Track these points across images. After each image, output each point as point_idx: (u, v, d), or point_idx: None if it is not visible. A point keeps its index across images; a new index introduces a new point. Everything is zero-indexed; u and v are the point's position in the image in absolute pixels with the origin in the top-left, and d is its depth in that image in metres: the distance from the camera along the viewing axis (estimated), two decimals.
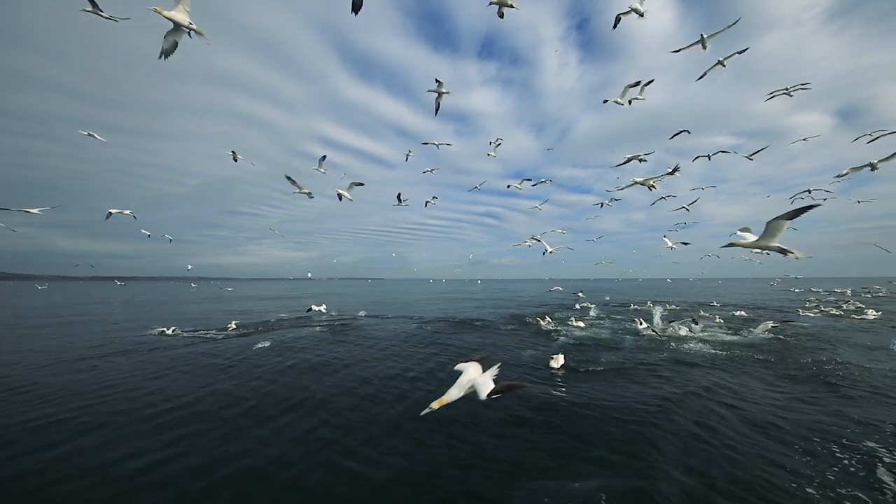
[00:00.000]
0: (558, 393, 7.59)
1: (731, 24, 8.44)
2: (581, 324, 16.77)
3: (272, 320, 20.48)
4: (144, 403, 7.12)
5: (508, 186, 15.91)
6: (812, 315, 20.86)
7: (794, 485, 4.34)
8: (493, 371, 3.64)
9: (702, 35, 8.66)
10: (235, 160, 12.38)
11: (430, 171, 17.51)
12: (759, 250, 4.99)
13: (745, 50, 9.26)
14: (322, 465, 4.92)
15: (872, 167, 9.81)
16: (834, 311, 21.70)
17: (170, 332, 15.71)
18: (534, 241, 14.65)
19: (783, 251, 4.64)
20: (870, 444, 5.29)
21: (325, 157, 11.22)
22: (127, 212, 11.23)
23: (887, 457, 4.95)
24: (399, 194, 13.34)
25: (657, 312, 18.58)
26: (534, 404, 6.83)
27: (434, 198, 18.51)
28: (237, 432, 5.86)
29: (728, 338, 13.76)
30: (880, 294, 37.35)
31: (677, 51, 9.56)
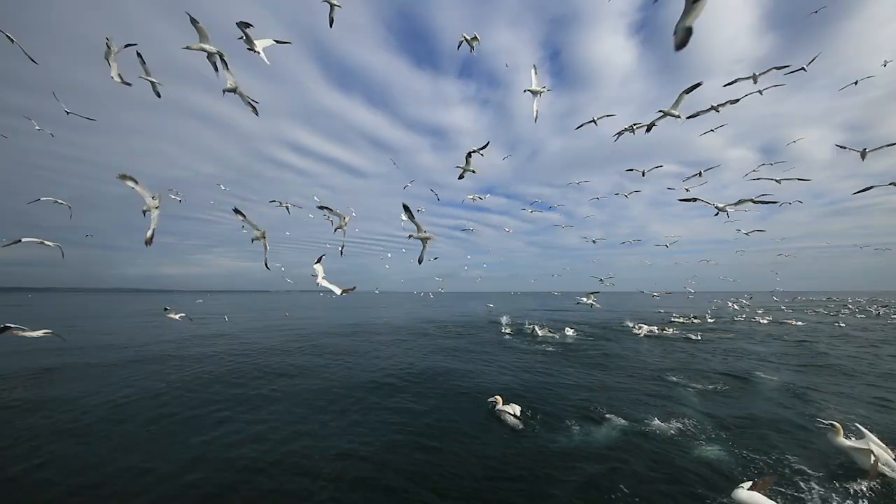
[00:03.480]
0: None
1: (697, 84, 7.73)
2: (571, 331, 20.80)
3: None
4: None
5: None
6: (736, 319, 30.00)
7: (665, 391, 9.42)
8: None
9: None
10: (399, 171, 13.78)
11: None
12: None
13: (698, 85, 8.03)
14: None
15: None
16: (738, 318, 31.38)
17: None
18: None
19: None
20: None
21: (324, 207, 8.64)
22: (62, 202, 8.32)
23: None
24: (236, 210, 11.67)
25: (642, 328, 20.70)
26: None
27: None
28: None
29: (687, 334, 19.20)
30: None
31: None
